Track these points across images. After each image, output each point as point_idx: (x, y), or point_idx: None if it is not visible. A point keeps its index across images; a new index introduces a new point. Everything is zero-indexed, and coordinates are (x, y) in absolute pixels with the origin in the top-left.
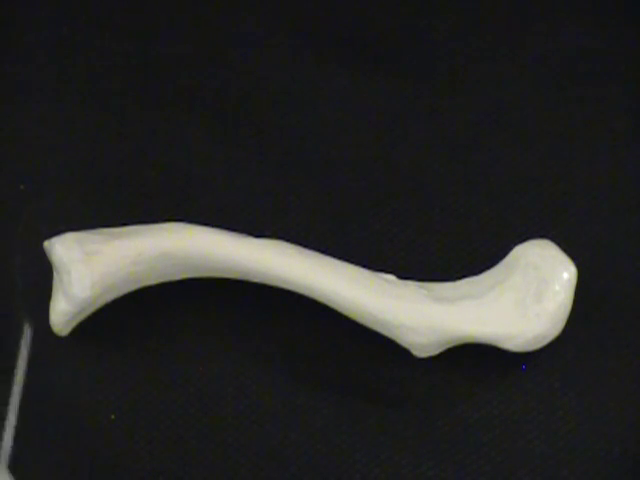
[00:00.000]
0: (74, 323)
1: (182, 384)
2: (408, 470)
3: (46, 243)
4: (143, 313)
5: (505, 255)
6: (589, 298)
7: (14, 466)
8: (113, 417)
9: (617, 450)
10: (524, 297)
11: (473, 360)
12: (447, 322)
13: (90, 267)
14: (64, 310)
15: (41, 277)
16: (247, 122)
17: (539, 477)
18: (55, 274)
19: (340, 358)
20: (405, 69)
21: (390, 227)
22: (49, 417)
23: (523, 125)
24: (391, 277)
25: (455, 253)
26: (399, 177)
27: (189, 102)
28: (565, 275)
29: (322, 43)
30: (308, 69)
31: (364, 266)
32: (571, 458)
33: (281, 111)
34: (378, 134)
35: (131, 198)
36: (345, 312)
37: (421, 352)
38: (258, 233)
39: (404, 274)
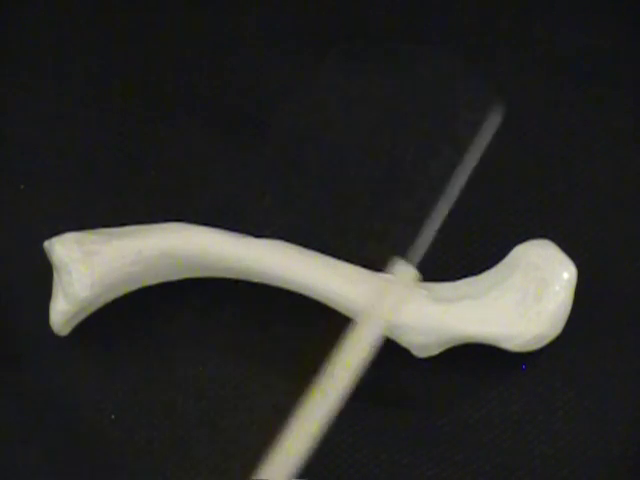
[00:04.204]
0: (74, 323)
1: (182, 384)
2: (408, 470)
3: (46, 243)
4: (143, 313)
5: (505, 255)
6: (589, 298)
7: (14, 466)
8: (113, 417)
9: (617, 450)
10: (524, 297)
11: (473, 360)
12: (447, 322)
13: (90, 267)
14: (64, 310)
15: (41, 277)
16: (247, 122)
17: (539, 477)
18: (55, 274)
19: None
20: (405, 69)
21: (390, 227)
22: (49, 417)
23: (523, 125)
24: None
25: (455, 253)
26: (399, 177)
27: (189, 102)
28: (565, 275)
29: (322, 43)
30: (308, 69)
31: (364, 266)
32: (571, 458)
33: (281, 111)
34: (378, 134)
35: (131, 198)
36: (345, 312)
37: (421, 352)
38: (258, 233)
39: None
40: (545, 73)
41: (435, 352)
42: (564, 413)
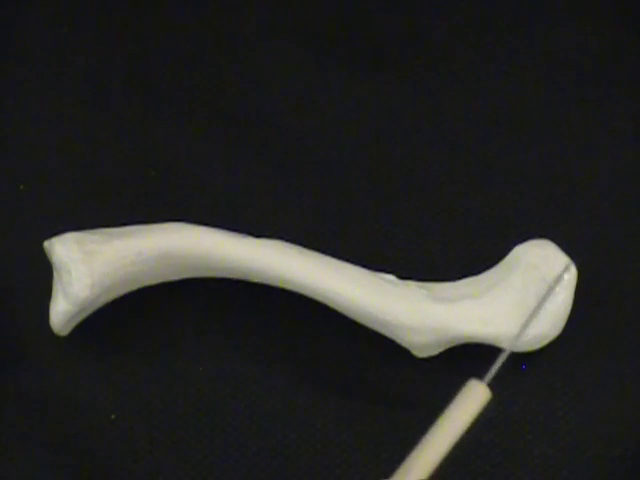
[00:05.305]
0: (74, 323)
1: (182, 384)
2: None
3: (46, 243)
4: (143, 313)
5: (505, 255)
6: (589, 298)
7: (14, 466)
8: (113, 417)
9: (617, 450)
10: (524, 297)
11: (473, 360)
12: (447, 322)
13: (90, 267)
14: (64, 310)
15: (41, 277)
16: (247, 122)
17: (539, 477)
18: (55, 274)
19: (340, 358)
20: (405, 69)
21: (390, 227)
22: (49, 417)
23: (523, 125)
24: (391, 277)
25: (455, 253)
26: (399, 177)
27: (189, 102)
28: (565, 275)
29: (322, 43)
30: (308, 69)
31: (364, 266)
32: (571, 458)
33: (281, 111)
34: (378, 134)
35: (131, 198)
36: (345, 312)
37: (421, 352)
38: (258, 233)
39: (404, 274)
40: (545, 73)
41: (435, 352)
42: (564, 413)
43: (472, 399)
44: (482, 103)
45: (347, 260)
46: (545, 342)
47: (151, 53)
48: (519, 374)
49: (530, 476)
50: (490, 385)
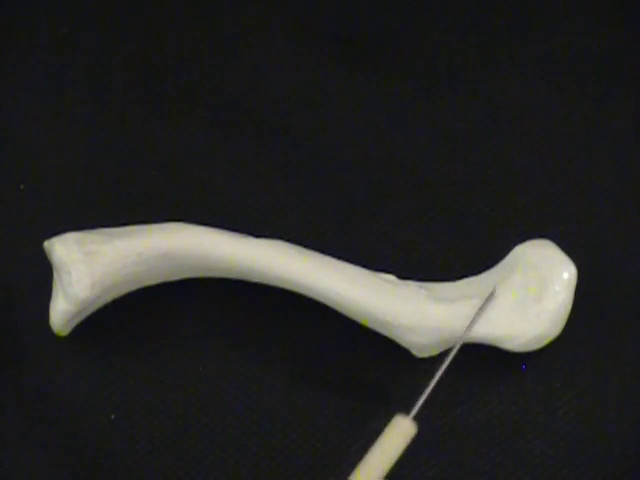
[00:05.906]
0: (74, 323)
1: (182, 384)
2: (408, 470)
3: (46, 243)
4: (143, 313)
5: (505, 255)
6: (589, 298)
7: (14, 466)
8: (113, 417)
9: (617, 450)
10: (524, 297)
11: (473, 360)
12: (447, 322)
13: (90, 267)
14: (64, 310)
15: (41, 277)
16: (247, 122)
17: (539, 477)
18: (55, 274)
19: (340, 358)
20: (405, 69)
21: (390, 227)
22: (49, 417)
23: (523, 125)
24: (391, 277)
25: (455, 253)
26: (399, 177)
27: (189, 102)
28: (565, 275)
29: (322, 43)
30: (308, 69)
31: (364, 266)
32: (571, 458)
33: (281, 111)
34: (378, 134)
35: (131, 198)
36: (345, 312)
37: (421, 352)
38: (258, 233)
39: (404, 274)
40: (545, 73)
41: (435, 352)
42: (564, 413)
43: (398, 434)
44: (482, 103)
45: (347, 260)
46: (545, 342)
47: (151, 53)
48: (519, 374)
49: (530, 476)
50: (415, 418)
